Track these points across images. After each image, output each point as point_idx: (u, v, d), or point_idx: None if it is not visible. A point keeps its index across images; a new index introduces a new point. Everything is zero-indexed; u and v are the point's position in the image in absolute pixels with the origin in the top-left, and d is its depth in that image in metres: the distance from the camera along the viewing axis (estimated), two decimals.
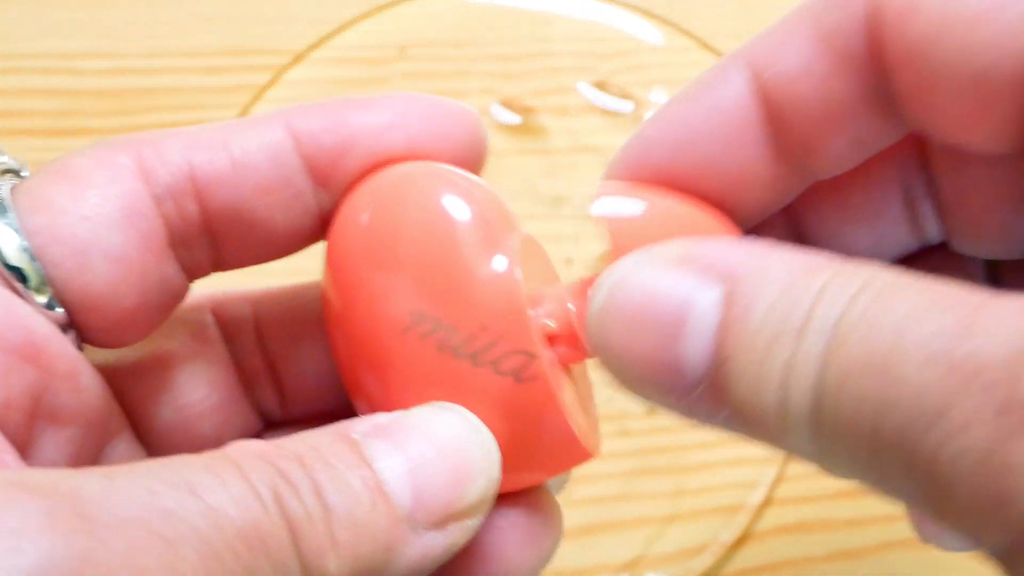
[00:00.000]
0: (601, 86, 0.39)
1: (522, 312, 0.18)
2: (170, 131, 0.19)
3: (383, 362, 0.19)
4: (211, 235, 0.19)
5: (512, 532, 0.19)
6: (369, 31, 0.40)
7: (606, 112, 0.39)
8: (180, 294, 0.20)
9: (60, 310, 0.18)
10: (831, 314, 0.14)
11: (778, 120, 0.18)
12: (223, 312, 0.22)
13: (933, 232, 0.21)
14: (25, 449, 0.17)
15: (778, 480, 0.34)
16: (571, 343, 0.19)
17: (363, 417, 0.18)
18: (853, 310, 0.14)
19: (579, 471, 0.20)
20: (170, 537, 0.14)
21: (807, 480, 0.35)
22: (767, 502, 0.34)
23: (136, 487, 0.14)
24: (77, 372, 0.18)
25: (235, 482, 0.15)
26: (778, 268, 0.15)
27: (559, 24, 0.40)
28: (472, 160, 0.20)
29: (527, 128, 0.39)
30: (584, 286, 0.19)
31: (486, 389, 0.18)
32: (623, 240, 0.18)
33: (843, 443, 0.14)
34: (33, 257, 0.17)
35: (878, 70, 0.17)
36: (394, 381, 0.19)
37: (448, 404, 0.18)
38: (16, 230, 0.17)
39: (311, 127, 0.19)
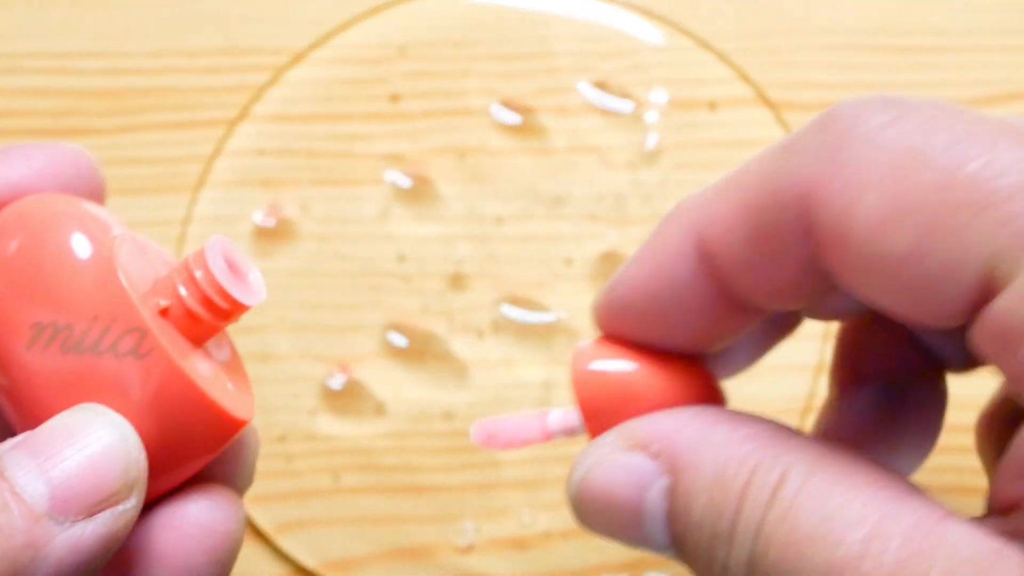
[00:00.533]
0: (601, 86, 0.39)
1: (122, 292, 0.19)
2: None
3: (20, 383, 0.20)
4: None
5: (189, 527, 0.20)
6: (369, 31, 0.40)
7: (606, 112, 0.39)
8: None
9: None
10: (750, 525, 0.16)
11: (720, 280, 0.19)
12: None
13: None
14: None
15: None
16: (188, 317, 0.20)
17: (8, 440, 0.19)
18: (766, 523, 0.16)
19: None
20: None
21: None
22: None
23: None
24: None
25: None
26: (709, 462, 0.18)
27: (559, 24, 0.40)
28: (80, 187, 0.22)
29: (527, 128, 0.39)
30: (187, 265, 0.20)
31: (114, 375, 0.19)
32: (594, 399, 0.21)
33: None
34: None
35: (812, 258, 0.18)
36: (33, 397, 0.20)
37: (81, 404, 0.19)
38: None
39: None
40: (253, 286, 0.21)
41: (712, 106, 0.39)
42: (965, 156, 0.16)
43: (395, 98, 0.39)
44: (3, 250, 0.20)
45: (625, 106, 0.39)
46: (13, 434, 0.22)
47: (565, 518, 0.34)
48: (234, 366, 0.22)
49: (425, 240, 0.38)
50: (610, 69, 0.39)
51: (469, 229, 0.38)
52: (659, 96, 0.39)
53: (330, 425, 0.36)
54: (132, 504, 0.19)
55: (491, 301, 0.37)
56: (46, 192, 0.21)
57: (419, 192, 0.38)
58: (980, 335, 0.16)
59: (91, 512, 0.18)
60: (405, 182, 0.38)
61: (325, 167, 0.38)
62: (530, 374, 0.36)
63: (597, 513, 0.19)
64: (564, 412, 0.21)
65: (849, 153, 0.17)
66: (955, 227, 0.15)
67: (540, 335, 0.37)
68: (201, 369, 0.20)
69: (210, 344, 0.21)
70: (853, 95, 0.18)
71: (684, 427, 0.18)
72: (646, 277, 0.20)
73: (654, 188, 0.38)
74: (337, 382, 0.36)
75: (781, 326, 0.23)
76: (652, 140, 0.38)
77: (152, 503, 0.20)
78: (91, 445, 0.18)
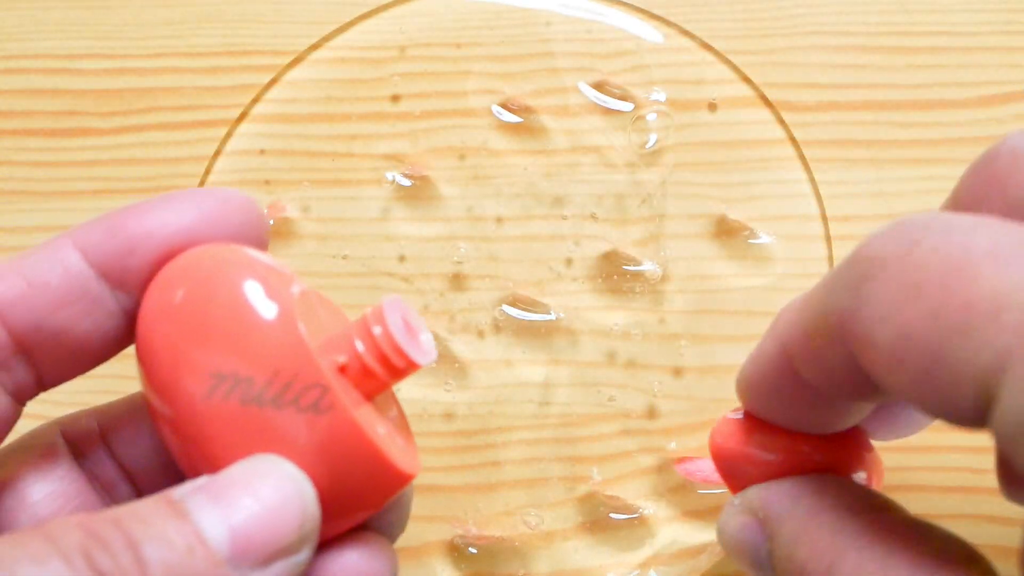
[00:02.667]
0: (601, 86, 0.39)
1: (305, 349, 0.20)
2: None
3: (197, 430, 0.20)
4: (25, 354, 0.21)
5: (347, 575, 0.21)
6: (369, 31, 0.40)
7: (606, 112, 0.39)
8: (10, 417, 0.21)
9: None
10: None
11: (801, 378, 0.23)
12: (70, 429, 0.24)
13: None
14: None
15: None
16: (363, 373, 0.21)
17: (186, 482, 0.19)
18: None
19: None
20: None
21: None
22: None
23: None
24: None
25: (41, 548, 0.16)
26: (787, 536, 0.22)
27: (559, 24, 0.40)
28: (248, 236, 0.22)
29: (527, 128, 0.39)
30: (365, 322, 0.21)
31: (292, 429, 0.20)
32: (727, 467, 0.25)
33: None
34: None
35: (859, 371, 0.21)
36: (211, 444, 0.20)
37: (261, 455, 0.20)
38: None
39: (94, 238, 0.21)
40: (425, 346, 0.21)
41: (712, 106, 0.39)
42: (957, 283, 0.17)
43: (395, 98, 0.39)
44: (188, 298, 0.20)
45: (625, 106, 0.39)
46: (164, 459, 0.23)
47: (566, 518, 0.35)
48: (400, 421, 0.23)
49: (425, 240, 0.38)
50: (610, 69, 0.39)
51: (469, 229, 0.38)
52: (659, 96, 0.39)
53: None
54: (304, 557, 0.19)
55: (491, 301, 0.37)
56: (219, 241, 0.21)
57: (419, 192, 0.38)
58: (996, 438, 0.17)
59: (266, 562, 0.18)
60: (405, 182, 0.38)
61: (325, 167, 0.38)
62: (530, 374, 0.36)
63: (731, 552, 0.24)
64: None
65: (867, 288, 0.19)
66: (948, 351, 0.17)
67: (540, 335, 0.37)
68: (375, 425, 0.21)
69: (378, 399, 0.22)
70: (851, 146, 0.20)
71: (778, 500, 0.23)
72: (753, 371, 0.24)
73: (654, 188, 0.38)
74: None
75: None
76: (652, 140, 0.38)
77: None
78: (270, 496, 0.19)
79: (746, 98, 0.39)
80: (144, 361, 0.21)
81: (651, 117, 0.39)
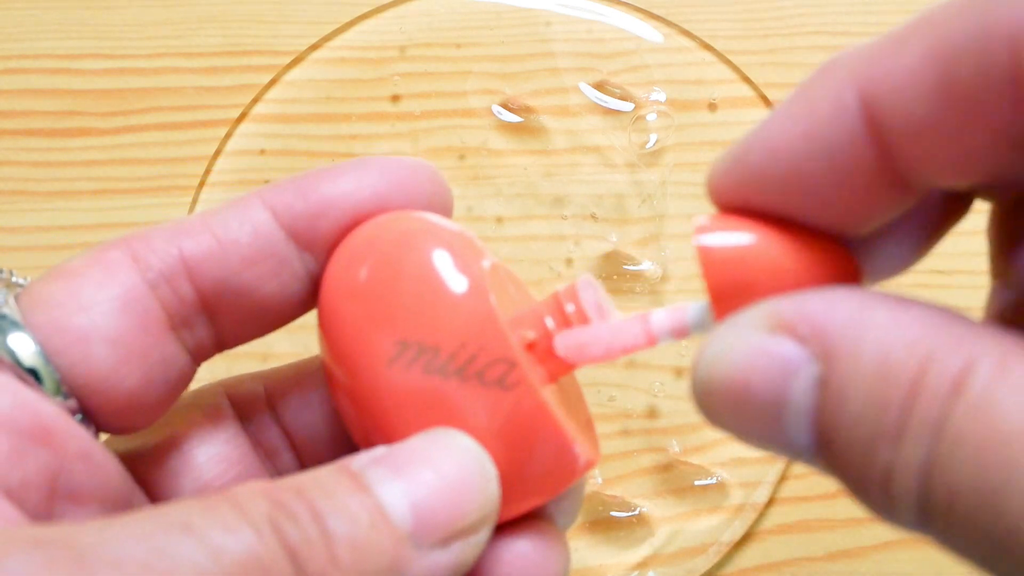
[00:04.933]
0: (601, 86, 0.39)
1: (496, 322, 0.19)
2: (155, 225, 0.20)
3: (377, 397, 0.19)
4: (209, 313, 0.20)
5: (517, 564, 0.20)
6: (369, 31, 0.40)
7: (606, 112, 0.39)
8: (186, 376, 0.21)
9: (71, 400, 0.19)
10: (928, 421, 0.14)
11: (893, 154, 0.16)
12: (236, 393, 0.23)
13: None
14: None
15: (779, 479, 0.34)
16: (551, 352, 0.20)
17: (364, 452, 0.18)
18: (952, 419, 0.13)
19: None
20: (167, 573, 0.14)
21: (808, 480, 0.35)
22: (768, 502, 0.34)
23: (131, 530, 0.15)
24: (91, 453, 0.19)
25: (231, 516, 0.15)
26: (871, 347, 0.14)
27: (559, 24, 0.40)
28: (435, 205, 0.21)
29: (527, 128, 0.39)
30: (557, 299, 0.20)
31: (475, 403, 0.19)
32: (724, 276, 0.17)
33: (954, 546, 0.14)
34: (47, 360, 0.18)
35: (1019, 112, 0.15)
36: (390, 413, 0.19)
37: (442, 428, 0.19)
38: (31, 336, 0.18)
39: (285, 199, 0.20)
40: None
41: (712, 106, 0.39)
42: None
43: (395, 98, 0.39)
44: (377, 264, 0.20)
45: (625, 106, 0.39)
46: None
47: None
48: (580, 405, 0.22)
49: None
50: (610, 69, 0.39)
51: (469, 229, 0.38)
52: (659, 96, 0.39)
53: None
54: (483, 537, 0.18)
55: None
56: (407, 210, 0.21)
57: None
58: None
59: (447, 541, 0.18)
60: None
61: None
62: None
63: (729, 405, 0.16)
64: (671, 310, 0.19)
65: None
66: None
67: None
68: (560, 407, 0.20)
69: (562, 381, 0.21)
70: None
71: (837, 308, 0.15)
72: (794, 138, 0.17)
73: (654, 188, 0.38)
74: None
75: (944, 214, 0.19)
76: (652, 140, 0.38)
77: None
78: (452, 472, 0.18)
79: (746, 98, 0.39)
80: (327, 326, 0.20)
81: (651, 117, 0.39)
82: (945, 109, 0.15)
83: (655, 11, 0.39)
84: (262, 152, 0.38)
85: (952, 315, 0.15)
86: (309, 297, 0.21)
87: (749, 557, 0.34)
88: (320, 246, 0.21)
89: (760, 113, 0.38)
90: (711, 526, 0.34)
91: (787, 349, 0.15)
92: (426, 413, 0.19)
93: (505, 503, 0.19)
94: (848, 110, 0.16)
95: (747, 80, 0.39)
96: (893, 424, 0.14)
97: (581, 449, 0.19)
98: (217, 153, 0.38)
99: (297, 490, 0.16)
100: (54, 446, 0.18)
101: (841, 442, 0.15)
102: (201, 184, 0.38)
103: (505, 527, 0.20)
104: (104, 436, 0.20)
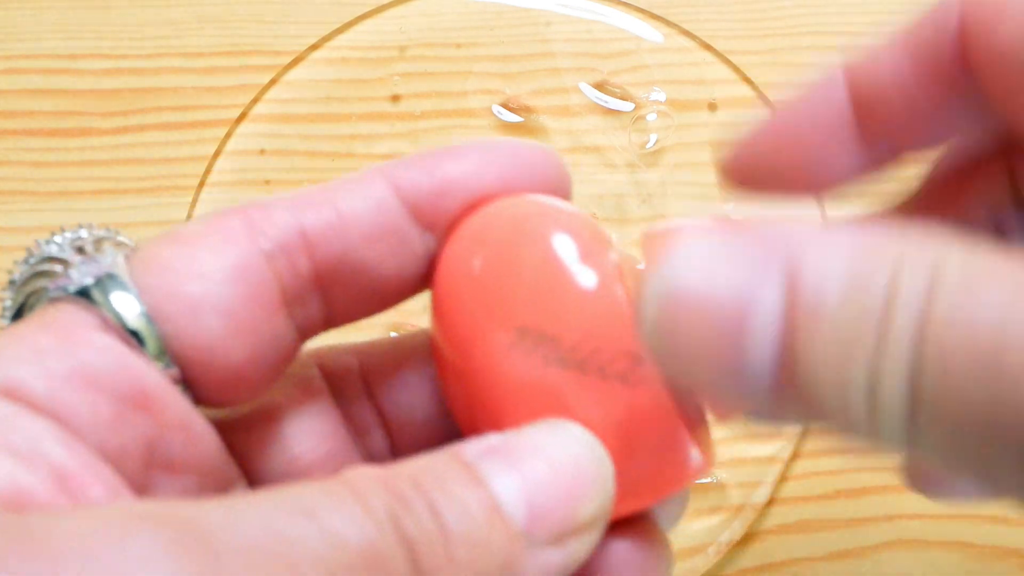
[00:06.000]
0: (601, 86, 0.39)
1: (622, 314, 0.18)
2: (276, 196, 0.20)
3: (491, 384, 0.19)
4: (323, 289, 0.20)
5: (621, 567, 0.19)
6: (369, 31, 0.40)
7: (606, 112, 0.39)
8: (291, 353, 0.20)
9: (174, 368, 0.18)
10: (911, 314, 0.13)
11: (867, 113, 0.20)
12: (329, 365, 0.22)
13: None
14: (142, 495, 0.17)
15: (779, 480, 0.34)
16: None
17: (475, 440, 0.17)
18: (938, 301, 0.13)
19: None
20: (291, 561, 0.14)
21: (808, 480, 0.35)
22: (767, 502, 0.34)
23: (256, 514, 0.14)
24: (190, 423, 0.18)
25: (352, 505, 0.15)
26: (841, 251, 0.14)
27: (559, 24, 0.40)
28: (558, 190, 0.21)
29: (527, 128, 0.39)
30: None
31: (595, 397, 0.18)
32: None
33: (946, 445, 0.13)
34: (151, 322, 0.18)
35: (967, 78, 0.18)
36: (503, 400, 0.19)
37: (559, 420, 0.18)
38: (136, 298, 0.18)
39: (409, 176, 0.20)
40: None
41: (712, 106, 0.39)
42: None
43: (395, 98, 0.39)
44: (500, 247, 0.19)
45: (625, 106, 0.39)
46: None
47: None
48: (697, 407, 0.20)
49: None
50: (610, 69, 0.39)
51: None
52: (659, 96, 0.39)
53: None
54: (597, 536, 0.18)
55: None
56: (532, 193, 0.20)
57: None
58: None
59: (561, 539, 0.17)
60: None
61: (325, 167, 0.38)
62: None
63: (684, 326, 0.15)
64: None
65: None
66: None
67: None
68: (682, 406, 0.19)
69: None
70: None
71: (798, 223, 0.15)
72: (796, 111, 0.20)
73: (654, 188, 0.38)
74: None
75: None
76: (652, 140, 0.38)
77: None
78: (569, 468, 0.17)
79: (746, 98, 0.39)
80: (442, 305, 0.20)
81: (651, 117, 0.39)
82: (909, 71, 0.19)
83: (655, 11, 0.39)
84: (262, 152, 0.38)
85: (907, 228, 0.14)
86: (423, 278, 0.20)
87: (749, 557, 0.34)
88: (441, 226, 0.20)
89: (760, 113, 0.38)
90: (711, 526, 0.34)
91: (748, 259, 0.15)
92: (541, 403, 0.18)
93: (617, 502, 0.18)
94: (835, 87, 0.20)
95: (747, 80, 0.39)
96: (874, 328, 0.13)
97: (696, 452, 0.19)
98: (217, 153, 0.38)
99: (413, 480, 0.16)
100: (155, 413, 0.17)
101: (814, 362, 0.14)
102: (201, 184, 0.38)
103: (610, 527, 0.19)
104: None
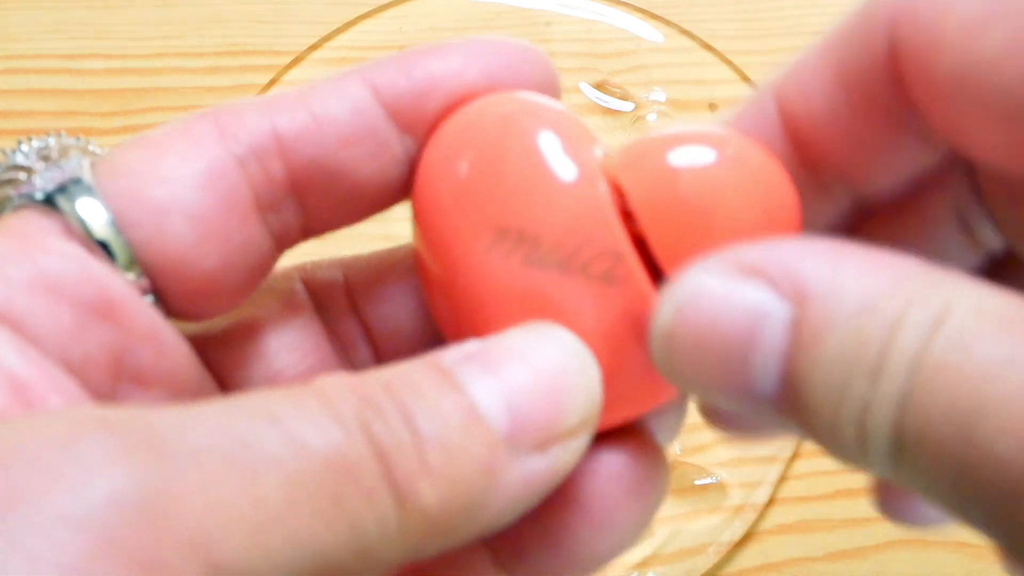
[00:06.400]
0: (601, 86, 0.39)
1: (607, 212, 0.17)
2: (248, 99, 0.19)
3: (472, 288, 0.18)
4: (299, 195, 0.19)
5: (614, 480, 0.18)
6: (369, 31, 0.40)
7: (606, 112, 0.39)
8: (267, 263, 0.19)
9: (142, 278, 0.17)
10: (907, 354, 0.14)
11: (808, 154, 0.18)
12: (313, 279, 0.21)
13: (995, 244, 0.20)
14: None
15: (779, 480, 0.34)
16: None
17: (453, 346, 0.17)
18: (931, 351, 0.13)
19: None
20: (250, 467, 0.13)
21: (808, 480, 0.35)
22: (767, 502, 0.34)
23: (212, 419, 0.14)
24: (158, 333, 0.17)
25: (318, 410, 0.14)
26: (850, 287, 0.14)
27: (559, 24, 0.40)
28: (544, 88, 0.19)
29: None
30: None
31: (578, 297, 0.17)
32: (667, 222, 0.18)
33: (924, 484, 0.14)
34: (119, 231, 0.17)
35: (904, 106, 0.17)
36: (485, 306, 0.18)
37: (541, 323, 0.17)
38: (102, 204, 0.17)
39: (388, 77, 0.19)
40: None
41: (712, 106, 0.39)
42: None
43: None
44: (479, 146, 0.18)
45: (625, 106, 0.39)
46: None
47: None
48: None
49: None
50: (610, 69, 0.39)
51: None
52: (659, 96, 0.39)
53: None
54: (583, 443, 0.17)
55: None
56: (511, 92, 0.19)
57: None
58: None
59: (544, 446, 0.16)
60: None
61: None
62: None
63: (694, 353, 0.16)
64: None
65: None
66: None
67: None
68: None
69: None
70: None
71: (809, 252, 0.15)
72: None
73: None
74: None
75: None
76: None
77: None
78: (552, 370, 0.16)
79: (746, 98, 0.39)
80: (422, 211, 0.19)
81: (651, 117, 0.39)
82: (843, 102, 0.17)
83: (655, 11, 0.39)
84: None
85: (924, 262, 0.15)
86: (406, 183, 0.19)
87: (749, 557, 0.34)
88: (422, 128, 0.19)
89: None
90: (711, 526, 0.34)
91: (757, 292, 0.15)
92: (524, 306, 0.18)
93: (603, 409, 0.17)
94: (771, 127, 0.18)
95: (747, 80, 0.39)
96: (872, 360, 0.14)
97: None
98: None
99: (386, 386, 0.15)
100: (120, 323, 0.17)
101: (813, 383, 0.14)
102: None
103: (599, 438, 0.18)
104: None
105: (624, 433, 0.18)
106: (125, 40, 0.41)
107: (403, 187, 0.19)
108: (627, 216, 0.18)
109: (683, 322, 0.16)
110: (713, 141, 0.18)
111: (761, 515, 0.34)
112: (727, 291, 0.15)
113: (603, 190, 0.18)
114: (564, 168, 0.18)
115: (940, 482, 0.13)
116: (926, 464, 0.13)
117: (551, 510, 0.17)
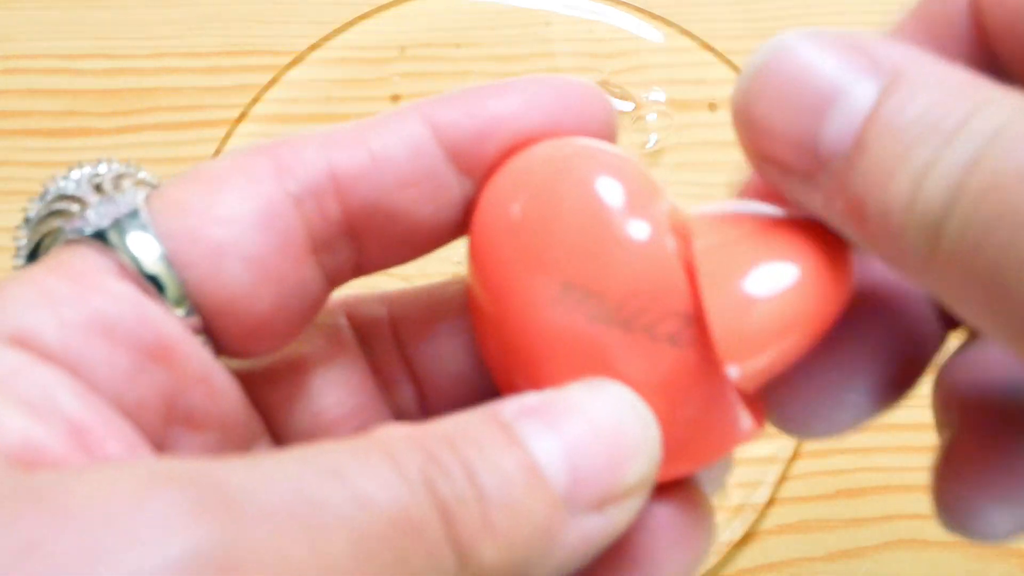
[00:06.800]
0: (601, 86, 0.39)
1: (674, 273, 0.17)
2: (305, 133, 0.18)
3: (531, 339, 0.18)
4: (353, 236, 0.19)
5: (663, 532, 0.18)
6: (369, 31, 0.40)
7: None
8: (318, 303, 0.19)
9: (194, 317, 0.17)
10: (987, 126, 0.14)
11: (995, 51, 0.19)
12: (357, 314, 0.21)
13: None
14: (161, 452, 0.17)
15: (779, 480, 0.34)
16: None
17: (512, 398, 0.16)
18: (1012, 125, 0.14)
19: None
20: (318, 525, 0.13)
21: (808, 480, 0.35)
22: (767, 502, 0.34)
23: (281, 475, 0.14)
24: (211, 376, 0.17)
25: (382, 466, 0.14)
26: (943, 75, 0.15)
27: (559, 24, 0.40)
28: (605, 134, 0.19)
29: None
30: None
31: (640, 357, 0.17)
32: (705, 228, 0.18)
33: (961, 258, 0.14)
34: (170, 266, 0.17)
35: (985, 51, 0.18)
36: (544, 358, 0.18)
37: (602, 379, 0.17)
38: (156, 239, 0.17)
39: (449, 116, 0.18)
40: None
41: (712, 106, 0.39)
42: None
43: (395, 98, 0.39)
44: (544, 195, 0.18)
45: (625, 106, 0.39)
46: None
47: None
48: None
49: None
50: (610, 69, 0.39)
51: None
52: (659, 96, 0.39)
53: None
54: (640, 502, 0.17)
55: None
56: (578, 136, 0.19)
57: None
58: None
59: (603, 505, 0.16)
60: None
61: None
62: None
63: (771, 96, 0.16)
64: None
65: None
66: None
67: None
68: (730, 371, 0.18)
69: None
70: None
71: (905, 47, 0.16)
72: None
73: None
74: None
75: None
76: (652, 140, 0.38)
77: None
78: (613, 430, 0.16)
79: None
80: (481, 258, 0.18)
81: (651, 117, 0.39)
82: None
83: (655, 11, 0.39)
84: None
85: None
86: (459, 224, 0.19)
87: (749, 557, 0.34)
88: (482, 170, 0.19)
89: None
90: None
91: (857, 60, 0.16)
92: (584, 362, 0.17)
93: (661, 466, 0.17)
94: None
95: None
96: (951, 126, 0.14)
97: (745, 415, 0.18)
98: (217, 153, 0.38)
99: (448, 441, 0.15)
100: (175, 366, 0.16)
101: (884, 140, 0.15)
102: None
103: (652, 491, 0.18)
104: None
105: (673, 484, 0.18)
106: (125, 40, 0.41)
107: (458, 227, 0.19)
108: (692, 272, 0.18)
109: (768, 71, 0.16)
110: (793, 251, 0.17)
111: (761, 515, 0.34)
112: (821, 56, 0.16)
113: (671, 248, 0.17)
114: (631, 224, 0.17)
115: (979, 258, 0.14)
116: (973, 234, 0.14)
117: (599, 561, 0.17)
